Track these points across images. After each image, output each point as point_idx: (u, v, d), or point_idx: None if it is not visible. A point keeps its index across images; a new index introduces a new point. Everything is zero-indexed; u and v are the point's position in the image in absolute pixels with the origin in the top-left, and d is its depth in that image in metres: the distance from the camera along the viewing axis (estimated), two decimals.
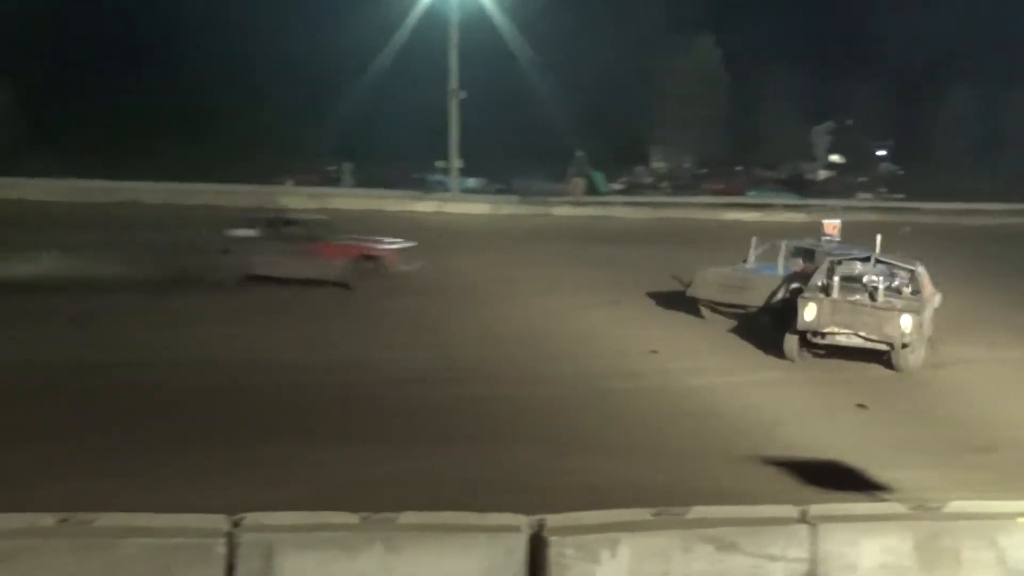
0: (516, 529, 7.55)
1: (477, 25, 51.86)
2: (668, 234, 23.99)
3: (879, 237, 21.14)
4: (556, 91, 58.51)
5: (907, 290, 20.09)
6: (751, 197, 57.15)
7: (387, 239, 25.82)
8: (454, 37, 50.97)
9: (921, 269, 20.52)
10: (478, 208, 46.43)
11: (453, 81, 51.10)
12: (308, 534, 7.29)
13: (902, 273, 20.49)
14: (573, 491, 10.99)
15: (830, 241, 23.40)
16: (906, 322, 18.68)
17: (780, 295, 21.43)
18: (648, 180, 67.38)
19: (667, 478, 11.98)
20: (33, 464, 11.60)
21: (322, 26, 58.49)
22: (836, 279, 19.69)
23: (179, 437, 13.03)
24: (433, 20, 51.44)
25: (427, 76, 52.57)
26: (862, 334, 18.90)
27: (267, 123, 57.21)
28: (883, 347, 18.94)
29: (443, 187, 52.50)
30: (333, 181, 57.01)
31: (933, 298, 20.55)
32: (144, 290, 22.66)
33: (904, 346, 18.81)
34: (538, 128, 59.10)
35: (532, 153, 57.44)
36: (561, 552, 7.34)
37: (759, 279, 22.29)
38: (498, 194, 54.02)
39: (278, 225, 25.38)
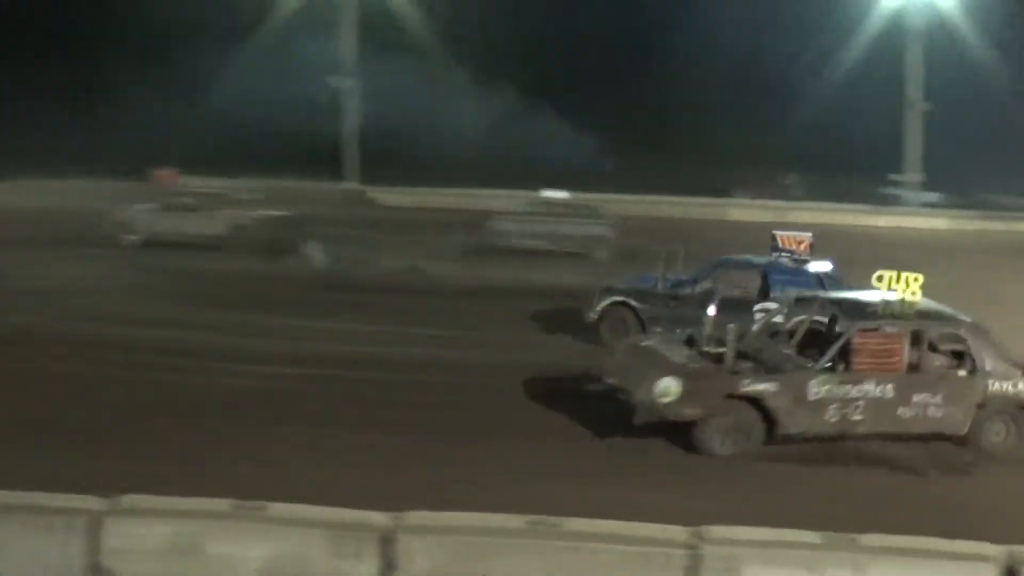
0: (986, 559, 7.34)
1: (940, 31, 50.18)
2: None
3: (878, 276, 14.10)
4: None
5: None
6: None
7: None
8: (914, 46, 49.56)
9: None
10: (939, 223, 44.92)
11: (912, 91, 49.71)
12: (773, 550, 7.34)
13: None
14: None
15: (798, 259, 18.29)
16: (665, 388, 12.72)
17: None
18: None
19: None
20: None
21: (773, 33, 58.17)
22: (712, 312, 14.34)
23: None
24: (892, 27, 50.25)
25: (885, 85, 51.38)
26: (635, 393, 13.09)
27: (717, 132, 57.33)
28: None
29: (899, 201, 51.10)
30: (783, 194, 56.50)
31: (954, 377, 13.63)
32: None
33: (672, 419, 12.71)
34: (1006, 139, 56.45)
35: (997, 166, 54.99)
36: None
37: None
38: (956, 208, 52.06)
39: None
